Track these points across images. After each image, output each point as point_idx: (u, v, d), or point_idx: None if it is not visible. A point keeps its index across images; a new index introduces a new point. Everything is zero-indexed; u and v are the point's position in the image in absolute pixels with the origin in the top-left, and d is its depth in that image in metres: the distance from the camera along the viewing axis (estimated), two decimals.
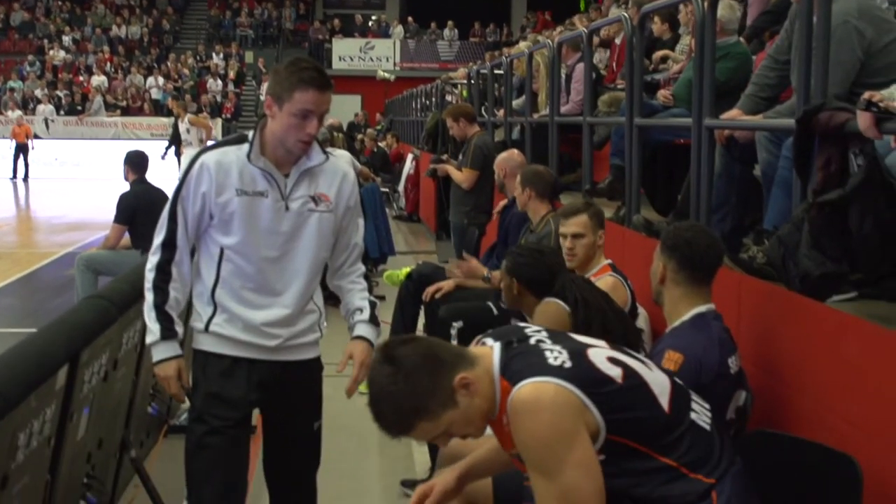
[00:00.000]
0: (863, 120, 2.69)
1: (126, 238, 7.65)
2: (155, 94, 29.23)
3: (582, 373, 2.31)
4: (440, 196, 10.98)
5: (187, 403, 5.51)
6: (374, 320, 3.23)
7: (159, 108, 28.41)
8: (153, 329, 3.01)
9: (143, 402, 4.53)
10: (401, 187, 16.26)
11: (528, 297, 3.68)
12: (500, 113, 9.31)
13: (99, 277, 7.61)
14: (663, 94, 5.62)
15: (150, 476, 4.36)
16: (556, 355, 2.34)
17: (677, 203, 5.14)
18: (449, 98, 13.83)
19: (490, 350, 2.39)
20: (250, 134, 3.04)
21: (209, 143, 15.53)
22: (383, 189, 12.59)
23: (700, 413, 2.45)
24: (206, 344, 3.10)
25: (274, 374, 3.10)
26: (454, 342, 5.20)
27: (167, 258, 3.01)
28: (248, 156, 2.99)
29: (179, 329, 3.05)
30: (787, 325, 3.14)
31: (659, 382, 2.43)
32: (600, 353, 2.42)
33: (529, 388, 2.26)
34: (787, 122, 3.33)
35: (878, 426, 2.60)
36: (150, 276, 3.03)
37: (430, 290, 5.66)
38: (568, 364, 2.31)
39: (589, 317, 3.48)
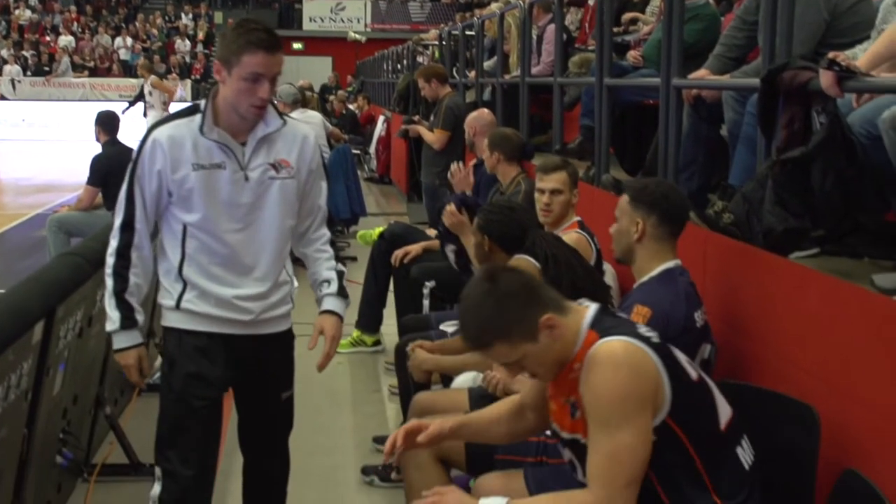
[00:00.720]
0: (825, 79, 2.75)
1: (98, 198, 7.67)
2: (123, 54, 28.92)
3: (666, 353, 2.36)
4: (411, 158, 11.03)
5: (160, 360, 5.62)
6: (342, 292, 3.19)
7: (128, 69, 28.08)
8: (113, 317, 2.93)
9: (117, 361, 4.55)
10: (372, 149, 16.25)
11: (499, 253, 3.74)
12: (472, 74, 9.32)
13: (71, 239, 7.62)
14: (633, 55, 5.67)
15: (124, 433, 4.42)
16: (648, 331, 2.39)
17: (646, 163, 5.22)
18: (420, 59, 13.80)
19: (587, 308, 2.44)
20: (203, 103, 2.93)
21: (171, 105, 15.54)
22: (354, 151, 12.57)
23: (746, 452, 2.47)
24: (178, 321, 3.01)
25: (250, 348, 3.05)
26: (426, 301, 5.27)
27: (126, 242, 2.92)
28: (201, 128, 2.88)
29: (140, 317, 2.96)
30: (751, 279, 3.22)
31: (723, 405, 2.46)
32: (682, 356, 2.46)
33: (617, 343, 2.30)
34: (753, 81, 3.38)
35: (836, 376, 2.69)
36: (109, 261, 2.93)
37: (398, 253, 5.70)
38: (656, 340, 2.36)
39: (559, 273, 3.53)
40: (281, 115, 3.01)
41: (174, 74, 25.10)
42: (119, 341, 2.98)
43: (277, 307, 3.07)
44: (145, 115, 16.02)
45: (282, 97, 9.52)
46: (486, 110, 6.52)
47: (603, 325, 2.37)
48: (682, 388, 2.33)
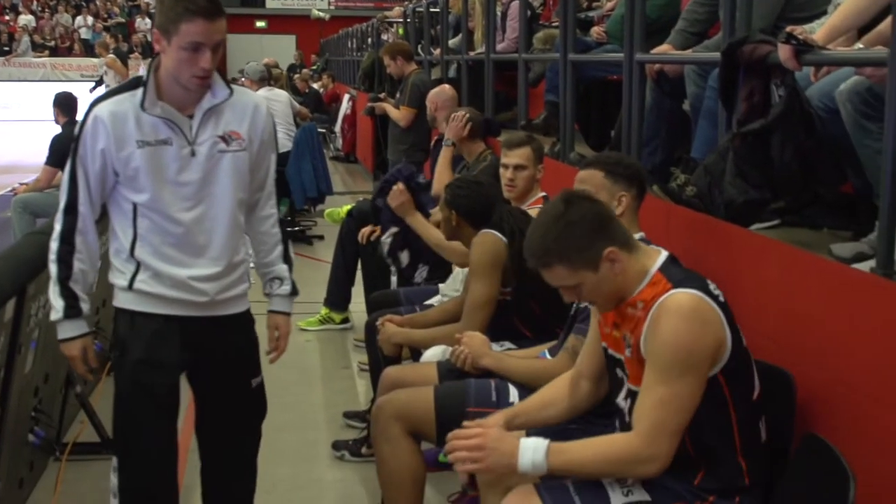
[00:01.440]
0: (783, 52, 2.82)
1: (58, 178, 7.65)
2: (84, 33, 28.65)
3: (729, 313, 2.41)
4: (377, 136, 11.03)
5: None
6: (294, 292, 3.12)
7: (89, 49, 27.79)
8: (56, 306, 2.79)
9: None
10: (337, 128, 16.22)
11: (466, 228, 3.78)
12: (437, 52, 9.33)
13: (37, 219, 7.62)
14: (596, 31, 5.71)
15: (95, 411, 4.44)
16: (716, 289, 2.43)
17: (611, 139, 5.27)
18: (385, 37, 13.78)
19: (658, 252, 2.50)
20: (144, 76, 2.78)
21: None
22: (319, 129, 12.55)
23: (763, 428, 2.52)
24: (131, 303, 2.87)
25: (206, 331, 2.91)
26: (394, 278, 5.31)
27: (70, 226, 2.78)
28: (142, 104, 2.73)
29: (85, 306, 2.83)
30: (713, 250, 3.29)
31: (756, 377, 2.52)
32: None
33: (691, 297, 2.35)
34: (714, 55, 3.44)
35: (796, 342, 2.76)
36: (53, 246, 2.79)
37: (365, 231, 5.73)
38: (722, 299, 2.42)
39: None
40: (229, 84, 2.87)
41: (136, 54, 24.92)
42: (63, 331, 2.84)
43: (234, 287, 2.94)
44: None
45: (248, 74, 9.50)
46: (447, 86, 6.55)
47: (674, 275, 2.43)
48: (736, 349, 2.40)
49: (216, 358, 2.96)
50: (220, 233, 2.85)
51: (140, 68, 25.56)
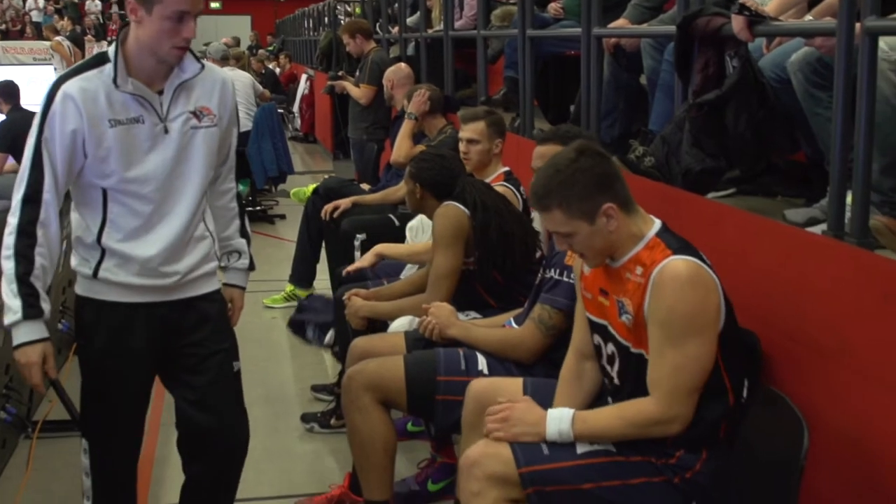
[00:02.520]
0: (736, 23, 2.91)
1: (12, 164, 7.68)
2: (36, 16, 28.15)
3: (719, 280, 2.49)
4: (336, 115, 11.02)
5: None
6: (251, 266, 3.07)
7: (41, 31, 27.41)
8: (13, 306, 2.53)
9: (54, 319, 4.59)
10: (295, 108, 16.18)
11: (429, 200, 3.85)
12: (395, 30, 9.36)
13: None
14: (554, 7, 5.79)
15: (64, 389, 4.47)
16: (705, 258, 2.50)
17: (570, 114, 5.37)
18: (342, 18, 13.76)
19: (653, 220, 2.57)
20: (109, 52, 2.64)
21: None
22: (278, 110, 12.54)
23: (744, 391, 2.59)
24: (95, 292, 2.74)
25: (175, 316, 2.80)
26: (358, 253, 5.37)
27: (31, 217, 2.54)
28: (115, 80, 2.59)
29: (46, 306, 2.59)
30: (671, 217, 3.35)
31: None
32: None
33: (692, 263, 2.43)
34: (669, 28, 3.53)
35: (751, 303, 2.86)
36: (9, 240, 2.54)
37: (328, 207, 5.78)
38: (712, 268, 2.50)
39: (486, 218, 3.67)
40: (198, 58, 2.76)
41: (89, 36, 24.60)
42: (21, 334, 2.56)
43: (201, 266, 2.82)
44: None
45: (211, 53, 9.49)
46: (403, 64, 6.62)
47: (671, 242, 2.50)
48: (728, 316, 2.48)
49: (189, 343, 2.83)
50: (189, 210, 2.74)
51: (94, 50, 25.35)
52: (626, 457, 2.50)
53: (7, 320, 2.54)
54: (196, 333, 2.84)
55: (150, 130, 2.65)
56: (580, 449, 2.50)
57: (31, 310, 2.52)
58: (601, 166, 2.51)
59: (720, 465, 2.51)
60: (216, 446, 2.92)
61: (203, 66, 2.75)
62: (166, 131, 2.67)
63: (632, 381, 2.53)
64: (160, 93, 2.66)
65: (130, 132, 2.62)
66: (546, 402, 2.76)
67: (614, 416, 2.50)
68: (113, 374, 2.76)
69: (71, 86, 2.58)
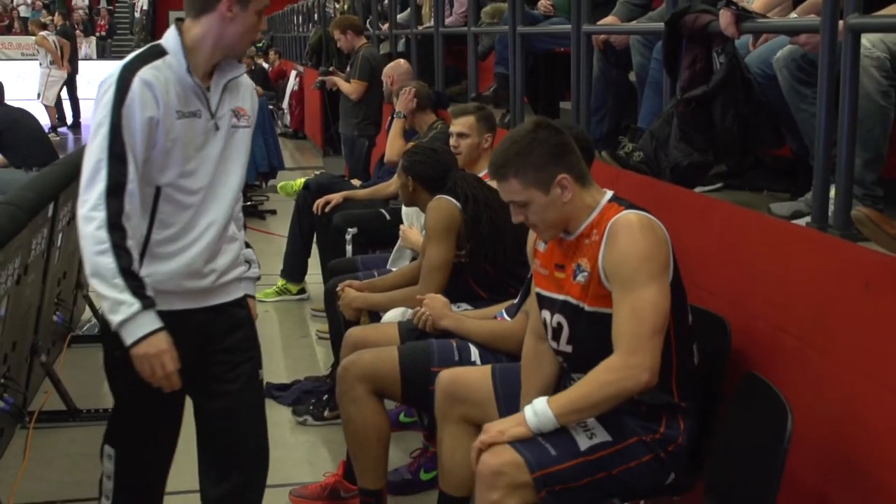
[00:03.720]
0: (724, 18, 2.98)
1: (1, 159, 7.73)
2: (24, 11, 28.09)
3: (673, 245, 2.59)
4: (325, 112, 11.06)
5: (88, 314, 5.71)
6: (258, 276, 2.95)
7: (29, 29, 27.36)
8: (126, 299, 2.39)
9: (50, 310, 4.64)
10: (285, 104, 16.21)
11: (422, 193, 3.91)
12: (385, 26, 9.41)
13: None
14: (544, 4, 5.83)
15: (60, 380, 4.52)
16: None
17: (559, 110, 5.44)
18: (331, 13, 13.78)
19: (605, 192, 2.66)
20: (167, 44, 2.57)
21: (54, 66, 15.28)
22: (269, 106, 12.57)
23: (696, 353, 2.69)
24: None
25: (209, 323, 2.70)
26: (349, 247, 5.42)
27: (118, 209, 2.41)
28: (189, 70, 2.55)
29: (152, 293, 2.47)
30: (660, 210, 3.41)
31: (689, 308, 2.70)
32: None
33: (641, 215, 2.53)
34: (658, 25, 3.59)
35: (737, 294, 2.93)
36: (101, 235, 2.38)
37: (320, 202, 5.82)
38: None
39: (478, 211, 3.72)
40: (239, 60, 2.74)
41: (78, 31, 24.53)
42: (142, 326, 2.44)
43: (232, 269, 2.75)
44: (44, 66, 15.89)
45: None
46: (402, 60, 6.67)
47: (623, 202, 2.61)
48: (676, 272, 2.57)
49: (224, 346, 2.74)
50: (228, 209, 2.68)
51: (83, 46, 25.30)
52: (621, 443, 2.57)
53: (120, 316, 2.40)
54: (228, 340, 2.75)
55: (204, 125, 2.61)
56: (583, 445, 2.55)
57: (146, 300, 2.43)
58: (556, 138, 2.60)
59: (695, 436, 2.62)
60: (247, 457, 2.84)
61: (243, 69, 2.75)
62: (216, 128, 2.63)
63: (589, 342, 2.59)
64: (208, 88, 2.64)
65: (191, 126, 2.58)
66: (515, 383, 2.88)
67: (584, 383, 2.54)
68: (151, 389, 2.54)
69: (146, 73, 2.50)
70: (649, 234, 2.51)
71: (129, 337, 2.43)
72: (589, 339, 2.60)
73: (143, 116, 2.46)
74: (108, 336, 2.53)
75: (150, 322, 2.43)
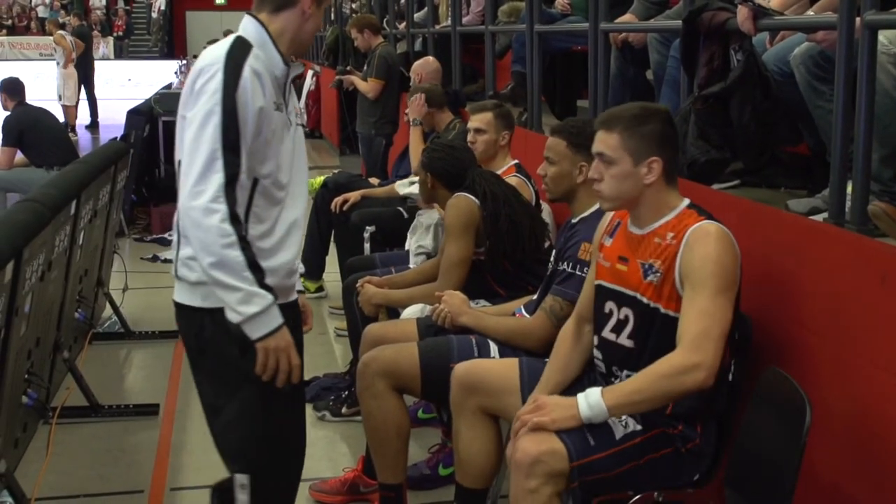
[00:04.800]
0: (741, 13, 3.00)
1: (21, 158, 7.81)
2: (42, 11, 28.24)
3: None
4: (342, 111, 11.11)
5: (109, 311, 5.77)
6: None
7: (47, 28, 27.50)
8: (259, 291, 2.36)
9: (72, 307, 4.69)
10: (301, 104, 16.25)
11: (441, 190, 3.94)
12: (402, 26, 9.44)
13: (8, 195, 7.76)
14: (561, 3, 5.86)
15: (82, 376, 4.58)
16: None
17: (576, 109, 5.46)
18: (347, 13, 13.83)
19: (683, 198, 2.71)
20: (248, 36, 2.51)
21: (69, 66, 15.37)
22: None
23: (732, 367, 2.73)
24: None
25: (290, 318, 2.55)
26: (367, 245, 5.46)
27: (234, 201, 2.37)
28: (285, 62, 2.53)
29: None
30: None
31: None
32: None
33: (724, 230, 2.59)
34: (675, 23, 3.61)
35: (756, 289, 2.94)
36: (227, 228, 2.33)
37: (338, 200, 5.86)
38: None
39: (497, 208, 3.75)
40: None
41: (96, 31, 24.68)
42: (273, 319, 2.41)
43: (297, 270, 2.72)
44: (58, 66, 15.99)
45: None
46: (431, 58, 6.69)
47: (702, 212, 2.66)
48: (739, 291, 2.61)
49: (297, 342, 2.60)
50: (304, 208, 2.64)
51: (100, 46, 25.43)
52: (649, 432, 2.62)
53: (255, 307, 2.37)
54: (297, 335, 2.63)
55: (285, 119, 2.58)
56: (618, 434, 2.59)
57: (272, 293, 2.41)
58: (671, 130, 2.69)
59: (715, 443, 2.67)
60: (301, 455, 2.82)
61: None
62: (290, 122, 2.62)
63: (653, 340, 2.63)
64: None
65: (280, 118, 2.55)
66: (540, 377, 2.92)
67: (641, 376, 2.55)
68: (281, 395, 2.51)
69: (253, 62, 2.44)
70: (728, 247, 2.56)
71: (261, 329, 2.39)
72: (655, 338, 2.63)
73: (254, 106, 2.42)
74: (220, 343, 2.46)
75: (278, 315, 2.42)
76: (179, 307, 2.58)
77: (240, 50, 2.46)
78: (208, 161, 2.35)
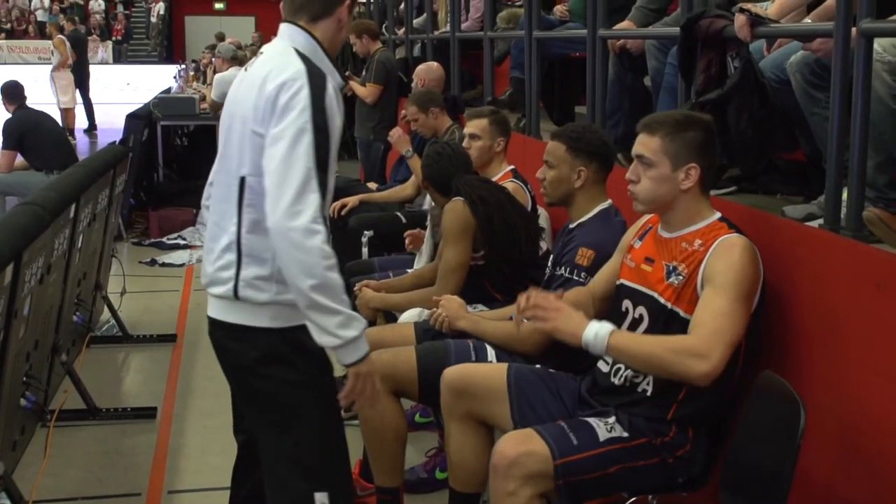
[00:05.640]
0: (738, 21, 3.01)
1: (21, 161, 7.83)
2: (41, 15, 28.26)
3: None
4: None
5: (107, 315, 5.77)
6: None
7: (46, 30, 27.52)
8: (354, 316, 2.34)
9: (70, 310, 4.70)
10: None
11: (436, 195, 3.96)
12: (401, 31, 9.46)
13: (7, 198, 7.78)
14: (560, 10, 5.89)
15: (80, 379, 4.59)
16: None
17: (574, 115, 5.47)
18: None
19: (715, 211, 2.77)
20: (301, 48, 2.44)
21: (63, 69, 15.35)
22: None
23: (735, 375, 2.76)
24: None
25: None
26: (365, 250, 5.47)
27: (325, 223, 2.32)
28: (342, 75, 2.50)
29: None
30: None
31: None
32: None
33: (752, 245, 2.65)
34: (673, 30, 3.63)
35: None
36: (328, 250, 2.27)
37: (336, 205, 5.86)
38: None
39: (488, 213, 3.74)
40: None
41: (94, 35, 24.72)
42: (365, 343, 2.40)
43: None
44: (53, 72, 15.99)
45: (221, 53, 9.58)
46: (435, 64, 6.69)
47: (732, 225, 2.72)
48: (756, 313, 2.65)
49: None
50: None
51: (99, 50, 25.46)
52: (633, 440, 2.64)
53: (353, 332, 2.34)
54: None
55: None
56: (602, 436, 2.63)
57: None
58: (711, 141, 2.74)
59: (707, 448, 2.70)
60: None
61: None
62: None
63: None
64: None
65: None
66: (529, 385, 2.96)
67: (653, 338, 2.61)
68: (339, 412, 2.53)
69: (329, 77, 2.40)
70: (754, 260, 2.62)
71: (355, 354, 2.38)
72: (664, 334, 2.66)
73: (337, 122, 2.37)
74: (293, 362, 2.41)
75: (366, 340, 2.40)
76: (233, 328, 2.45)
77: (314, 63, 2.39)
78: (304, 180, 2.27)
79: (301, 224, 2.25)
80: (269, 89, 2.35)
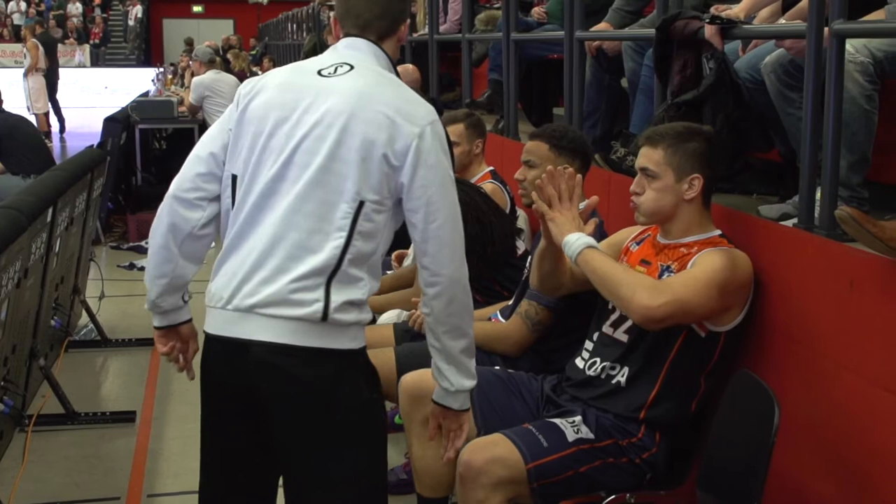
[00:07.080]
0: (708, 30, 3.06)
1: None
2: (17, 19, 28.11)
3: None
4: None
5: (85, 319, 5.75)
6: None
7: (21, 34, 27.36)
8: (474, 366, 2.39)
9: (48, 315, 4.68)
10: None
11: None
12: None
13: None
14: (537, 12, 5.90)
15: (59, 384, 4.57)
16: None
17: (552, 116, 5.49)
18: (325, 21, 13.84)
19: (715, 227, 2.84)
20: (382, 65, 2.37)
21: (36, 73, 15.30)
22: None
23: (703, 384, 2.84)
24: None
25: None
26: None
27: None
28: None
29: None
30: None
31: None
32: None
33: (744, 255, 2.72)
34: (649, 31, 3.65)
35: None
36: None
37: None
38: None
39: (464, 212, 3.74)
40: None
41: (71, 39, 24.61)
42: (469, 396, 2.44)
43: None
44: (25, 76, 15.93)
45: (199, 56, 9.56)
46: (411, 66, 6.69)
47: (731, 241, 2.77)
48: (740, 326, 2.71)
49: None
50: None
51: (77, 54, 25.35)
52: (600, 441, 2.70)
53: (473, 383, 2.39)
54: None
55: None
56: (569, 437, 2.67)
57: None
58: (712, 152, 2.79)
59: (676, 448, 2.77)
60: None
61: None
62: None
63: (650, 339, 2.72)
64: None
65: None
66: (493, 391, 2.95)
67: (621, 266, 2.71)
68: None
69: None
70: (740, 266, 2.69)
71: (467, 402, 2.40)
72: (651, 336, 2.71)
73: None
74: (359, 385, 2.28)
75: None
76: (309, 351, 2.20)
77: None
78: (456, 225, 2.28)
79: (462, 275, 2.29)
80: (411, 127, 2.23)
